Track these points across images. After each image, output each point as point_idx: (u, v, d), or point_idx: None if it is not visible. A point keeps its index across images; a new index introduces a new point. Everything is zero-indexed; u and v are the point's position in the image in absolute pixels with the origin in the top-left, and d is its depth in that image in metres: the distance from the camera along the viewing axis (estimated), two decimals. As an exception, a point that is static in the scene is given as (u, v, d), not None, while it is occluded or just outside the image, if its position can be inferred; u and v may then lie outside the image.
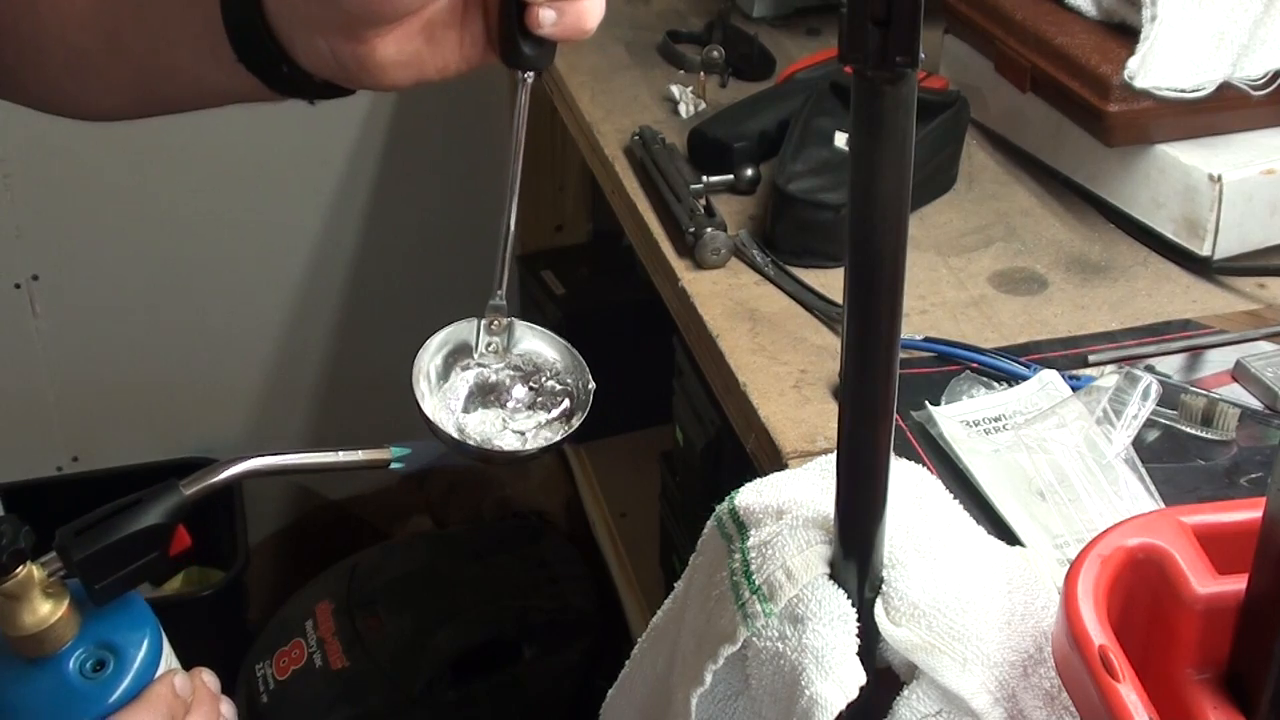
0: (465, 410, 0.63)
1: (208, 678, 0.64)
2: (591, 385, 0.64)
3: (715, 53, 1.28)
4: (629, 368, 1.51)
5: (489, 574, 1.71)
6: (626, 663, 0.72)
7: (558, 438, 0.63)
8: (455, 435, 0.62)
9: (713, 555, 0.62)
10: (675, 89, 1.24)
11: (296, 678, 1.61)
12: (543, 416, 0.64)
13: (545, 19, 0.56)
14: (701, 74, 1.26)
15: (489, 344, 0.64)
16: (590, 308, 1.75)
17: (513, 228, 0.62)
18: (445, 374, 0.64)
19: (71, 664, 0.60)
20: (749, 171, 1.10)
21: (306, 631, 1.65)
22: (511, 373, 0.64)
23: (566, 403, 0.64)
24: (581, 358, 0.65)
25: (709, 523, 0.63)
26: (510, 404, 0.64)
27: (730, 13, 1.35)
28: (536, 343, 0.65)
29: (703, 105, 1.24)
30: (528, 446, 0.63)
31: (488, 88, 1.77)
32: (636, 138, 1.15)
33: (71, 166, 1.71)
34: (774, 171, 1.05)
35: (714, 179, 1.09)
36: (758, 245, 1.02)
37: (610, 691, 0.74)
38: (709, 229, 1.00)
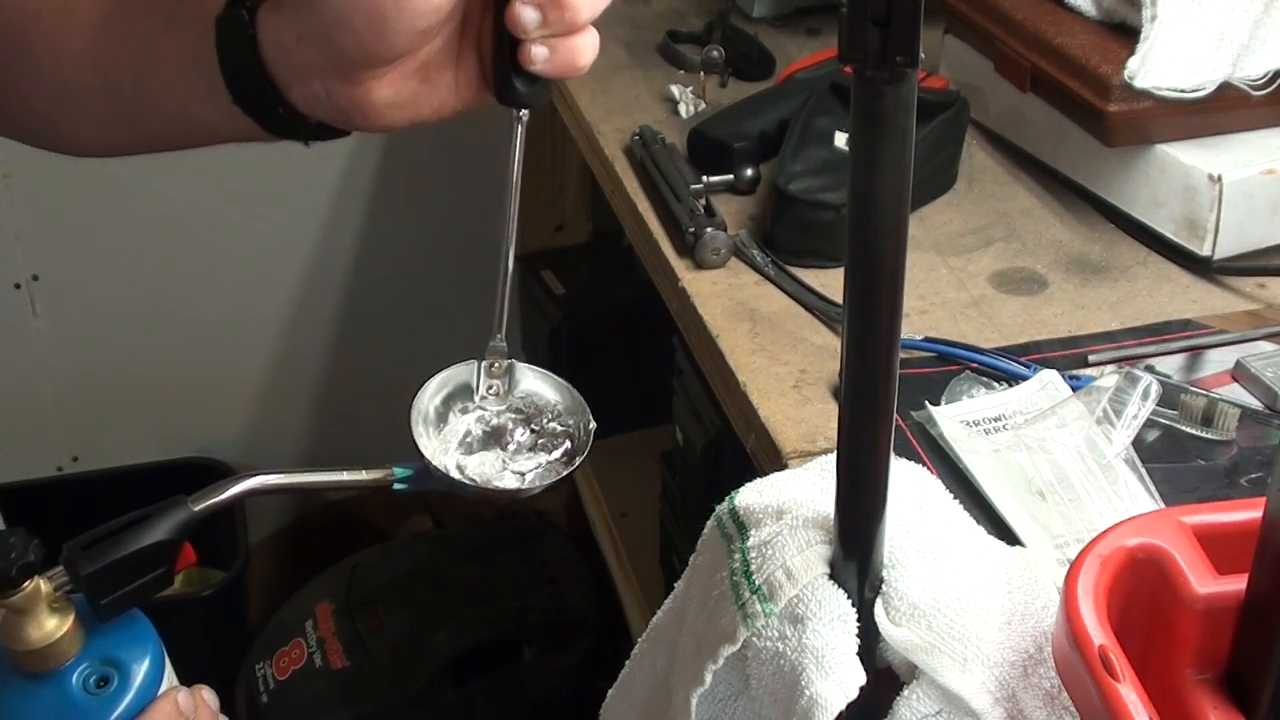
0: (465, 453, 0.63)
1: (208, 695, 0.63)
2: (593, 425, 0.63)
3: (715, 53, 1.28)
4: (629, 368, 1.51)
5: (489, 574, 1.71)
6: (626, 663, 0.72)
7: (558, 477, 0.63)
8: (455, 475, 0.62)
9: (713, 555, 0.62)
10: (675, 89, 1.24)
11: (296, 678, 1.61)
12: (543, 458, 0.64)
13: (538, 55, 0.56)
14: (701, 74, 1.26)
15: (490, 387, 0.64)
16: (590, 308, 1.75)
17: (511, 267, 0.61)
18: (444, 416, 0.63)
19: (75, 680, 0.59)
20: (749, 171, 1.10)
21: (306, 631, 1.65)
22: (513, 416, 0.64)
23: (568, 444, 0.64)
24: (582, 398, 0.64)
25: (709, 523, 0.63)
26: (511, 447, 0.64)
27: (730, 13, 1.35)
28: (537, 384, 0.65)
29: (703, 105, 1.23)
30: (527, 485, 0.63)
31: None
32: (636, 138, 1.15)
33: (71, 166, 1.68)
34: (774, 171, 1.05)
35: (714, 179, 1.09)
36: (758, 245, 1.02)
37: (610, 691, 0.74)
38: (709, 229, 1.00)
